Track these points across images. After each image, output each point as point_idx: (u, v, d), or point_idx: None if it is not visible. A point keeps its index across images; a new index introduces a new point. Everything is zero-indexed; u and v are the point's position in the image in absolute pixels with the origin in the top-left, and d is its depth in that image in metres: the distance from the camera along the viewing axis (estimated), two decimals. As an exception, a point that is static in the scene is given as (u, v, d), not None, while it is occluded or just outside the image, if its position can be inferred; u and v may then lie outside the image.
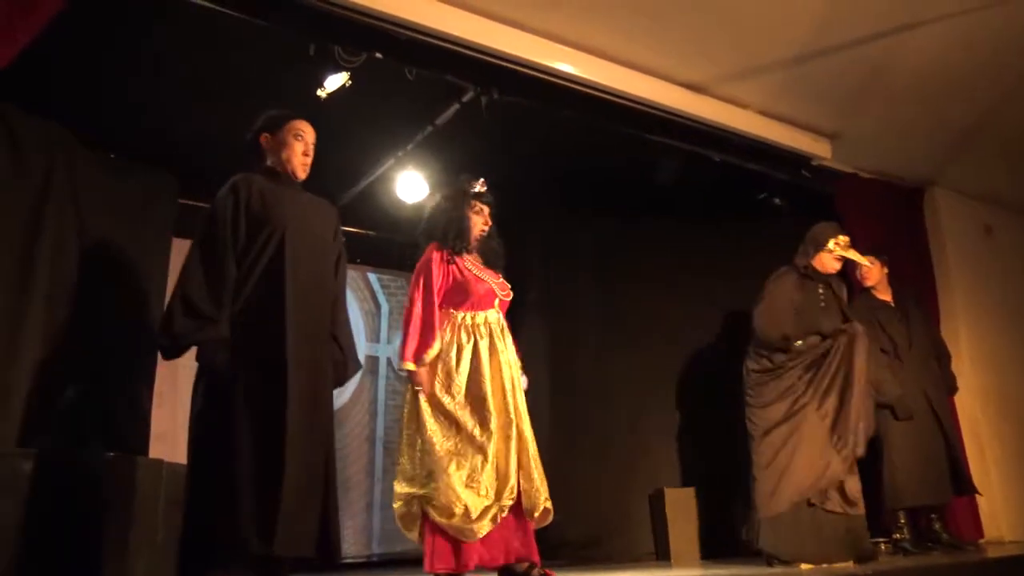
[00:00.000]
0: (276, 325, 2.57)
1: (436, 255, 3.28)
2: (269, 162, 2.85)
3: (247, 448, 2.44)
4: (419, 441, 3.12)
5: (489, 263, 3.41)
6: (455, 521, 2.96)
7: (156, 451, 3.87)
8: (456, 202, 3.36)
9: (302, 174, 2.87)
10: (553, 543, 4.37)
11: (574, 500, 4.50)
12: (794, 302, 3.91)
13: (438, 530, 3.02)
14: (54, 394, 3.49)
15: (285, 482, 2.41)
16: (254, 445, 2.45)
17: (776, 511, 3.64)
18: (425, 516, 3.06)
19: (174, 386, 4.33)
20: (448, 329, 3.22)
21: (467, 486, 2.99)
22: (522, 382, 3.32)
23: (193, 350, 2.58)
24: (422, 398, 3.13)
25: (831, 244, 3.97)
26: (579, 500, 4.65)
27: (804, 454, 3.66)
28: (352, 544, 5.38)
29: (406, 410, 3.21)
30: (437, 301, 3.21)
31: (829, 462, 3.63)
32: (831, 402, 3.71)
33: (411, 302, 3.23)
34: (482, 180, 3.40)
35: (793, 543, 3.62)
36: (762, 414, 3.84)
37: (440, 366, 3.17)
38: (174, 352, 2.63)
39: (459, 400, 3.12)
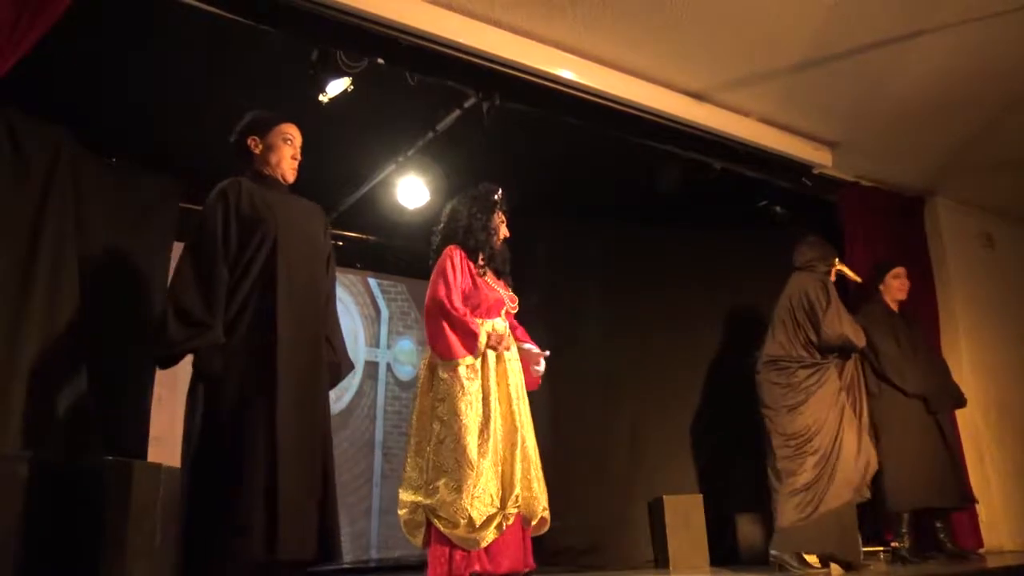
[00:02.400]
0: (268, 331, 2.56)
1: (455, 255, 3.23)
2: (258, 166, 2.84)
3: (245, 455, 2.44)
4: (427, 449, 3.09)
5: (500, 272, 3.41)
6: (459, 531, 2.95)
7: (154, 454, 3.86)
8: (487, 209, 3.37)
9: (291, 177, 2.87)
10: (551, 549, 4.36)
11: (573, 506, 4.49)
12: None
13: (442, 538, 3.00)
14: (53, 397, 3.48)
15: (281, 487, 2.42)
16: (251, 452, 2.45)
17: (811, 517, 3.78)
18: (430, 524, 3.03)
19: (173, 389, 4.33)
20: None
21: (473, 496, 2.95)
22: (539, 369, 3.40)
23: (189, 357, 2.56)
24: (435, 403, 3.12)
25: (834, 260, 4.33)
26: (578, 506, 4.63)
27: (846, 459, 3.86)
28: (350, 549, 5.37)
29: (414, 417, 3.19)
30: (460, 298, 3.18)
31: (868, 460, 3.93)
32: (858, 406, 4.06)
33: (439, 302, 3.13)
34: (500, 189, 3.43)
35: (817, 541, 3.79)
36: (799, 418, 3.94)
37: None
38: (169, 361, 2.61)
39: (466, 409, 3.09)
